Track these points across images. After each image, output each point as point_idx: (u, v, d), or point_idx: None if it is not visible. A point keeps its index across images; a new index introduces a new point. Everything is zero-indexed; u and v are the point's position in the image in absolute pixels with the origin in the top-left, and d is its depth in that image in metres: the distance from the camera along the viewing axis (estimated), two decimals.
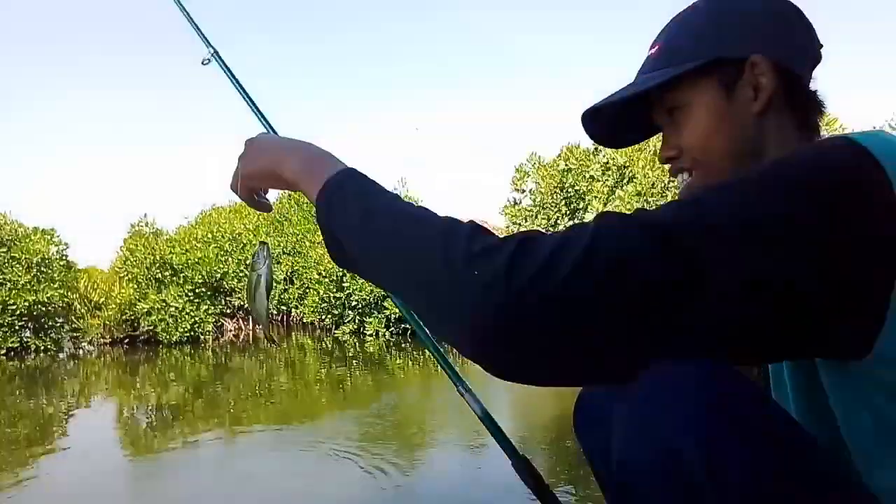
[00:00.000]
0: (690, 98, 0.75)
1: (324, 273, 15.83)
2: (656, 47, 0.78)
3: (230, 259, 16.94)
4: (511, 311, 0.52)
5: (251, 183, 0.81)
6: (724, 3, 0.76)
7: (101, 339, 14.89)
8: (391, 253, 0.63)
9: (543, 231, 0.59)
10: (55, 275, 13.68)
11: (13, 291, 12.88)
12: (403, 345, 14.20)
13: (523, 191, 16.92)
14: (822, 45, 0.78)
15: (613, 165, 14.71)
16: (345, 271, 15.68)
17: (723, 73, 0.74)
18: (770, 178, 0.57)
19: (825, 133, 0.79)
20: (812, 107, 0.77)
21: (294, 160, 0.77)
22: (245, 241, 17.62)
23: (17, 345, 13.11)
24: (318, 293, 16.04)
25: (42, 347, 13.40)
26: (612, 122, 0.84)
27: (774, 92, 0.73)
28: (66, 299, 14.01)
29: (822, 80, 0.79)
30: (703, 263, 0.52)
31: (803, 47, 0.77)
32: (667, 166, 0.83)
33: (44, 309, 13.33)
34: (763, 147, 0.75)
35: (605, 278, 0.51)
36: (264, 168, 0.79)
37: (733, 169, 0.74)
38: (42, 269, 13.45)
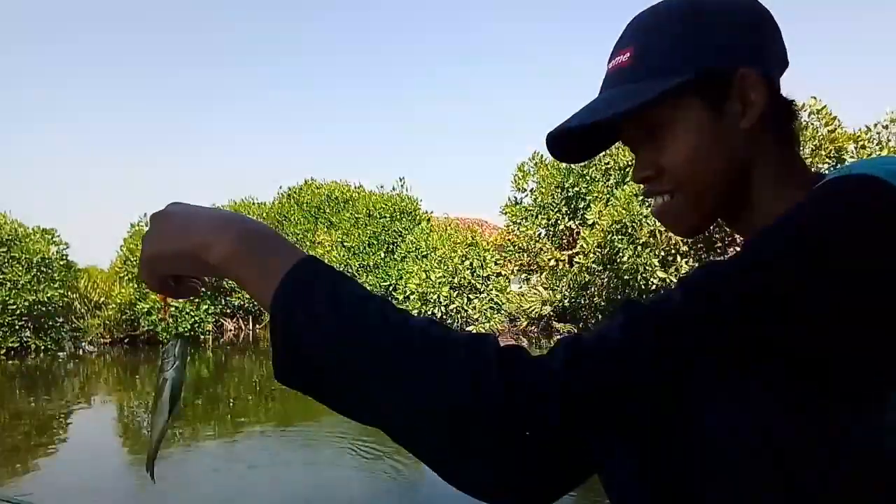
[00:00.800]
0: (673, 115, 0.68)
1: None
2: (626, 55, 0.69)
3: None
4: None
5: (160, 267, 0.62)
6: (700, 7, 0.69)
7: (102, 339, 14.90)
8: (400, 380, 0.53)
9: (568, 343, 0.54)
10: (55, 275, 13.69)
11: (13, 291, 12.88)
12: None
13: (524, 190, 16.91)
14: (785, 49, 0.75)
15: (615, 167, 14.71)
16: (344, 271, 15.67)
17: (709, 87, 0.67)
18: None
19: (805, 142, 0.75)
20: (791, 116, 0.73)
21: (225, 240, 0.59)
22: None
23: (18, 344, 13.11)
24: None
25: (42, 347, 13.41)
26: (573, 138, 0.74)
27: (764, 106, 0.67)
28: (66, 299, 14.02)
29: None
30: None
31: (779, 54, 0.72)
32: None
33: (44, 309, 13.33)
34: (751, 166, 0.70)
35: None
36: (179, 249, 0.60)
37: (718, 192, 0.69)
38: (42, 268, 13.45)
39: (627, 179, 14.04)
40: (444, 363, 0.53)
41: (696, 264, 12.92)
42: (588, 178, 15.29)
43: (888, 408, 0.49)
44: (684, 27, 0.68)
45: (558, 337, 0.49)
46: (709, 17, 0.69)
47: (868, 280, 0.50)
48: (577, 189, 15.56)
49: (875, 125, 13.15)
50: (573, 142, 0.74)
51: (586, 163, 15.63)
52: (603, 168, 15.08)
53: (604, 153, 15.47)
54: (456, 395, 0.52)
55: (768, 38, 0.70)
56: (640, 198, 12.27)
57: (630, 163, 13.92)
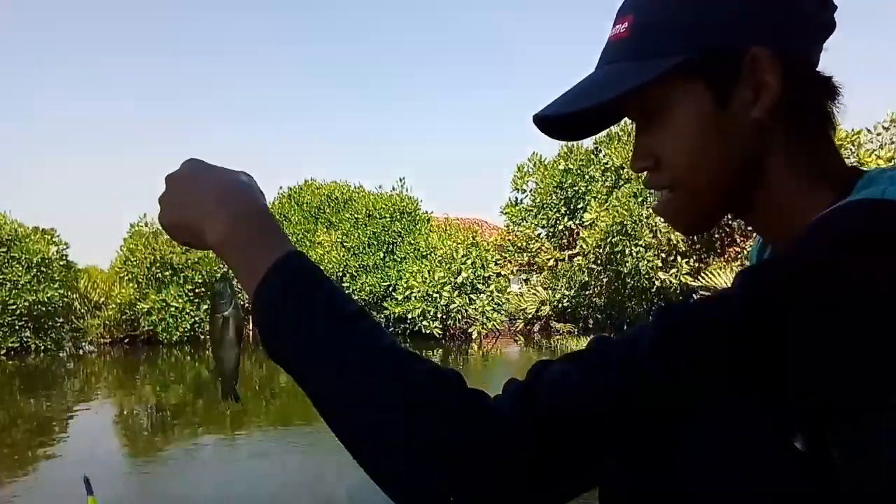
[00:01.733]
0: (672, 99, 0.59)
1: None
2: (625, 24, 0.60)
3: None
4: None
5: (176, 236, 0.63)
6: None
7: (102, 339, 14.90)
8: (368, 409, 0.53)
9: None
10: (55, 275, 13.69)
11: (13, 291, 12.89)
12: (404, 344, 14.19)
13: (524, 190, 16.92)
14: (836, 7, 0.62)
15: (612, 166, 14.71)
16: (344, 271, 15.72)
17: (714, 69, 0.58)
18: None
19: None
20: (826, 98, 0.61)
21: (219, 220, 0.59)
22: None
23: (18, 345, 13.12)
24: None
25: (42, 347, 13.41)
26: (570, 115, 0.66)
27: (781, 92, 0.57)
28: (66, 299, 14.02)
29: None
30: None
31: (811, 19, 0.60)
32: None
33: (44, 309, 13.33)
34: (766, 161, 0.60)
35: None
36: (182, 220, 0.61)
37: (722, 191, 0.61)
38: (42, 269, 13.46)
39: (624, 178, 14.04)
40: (415, 397, 0.52)
41: (697, 264, 12.86)
42: (587, 177, 15.29)
43: (885, 419, 0.47)
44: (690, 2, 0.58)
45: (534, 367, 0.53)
46: None
47: (869, 329, 0.45)
48: (576, 189, 15.56)
49: (875, 126, 13.15)
50: (571, 119, 0.65)
51: (586, 163, 15.67)
52: (602, 167, 15.09)
53: (603, 153, 15.42)
54: (428, 432, 0.50)
55: (796, 3, 0.59)
56: (640, 199, 12.27)
57: (626, 164, 13.90)
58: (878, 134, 13.07)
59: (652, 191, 0.67)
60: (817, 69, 0.61)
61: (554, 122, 0.64)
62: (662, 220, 0.68)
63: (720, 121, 0.59)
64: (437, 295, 14.04)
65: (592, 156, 15.59)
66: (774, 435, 0.49)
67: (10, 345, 12.94)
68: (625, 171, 14.10)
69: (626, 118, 0.69)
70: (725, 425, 0.49)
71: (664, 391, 0.48)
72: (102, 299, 15.13)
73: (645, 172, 0.65)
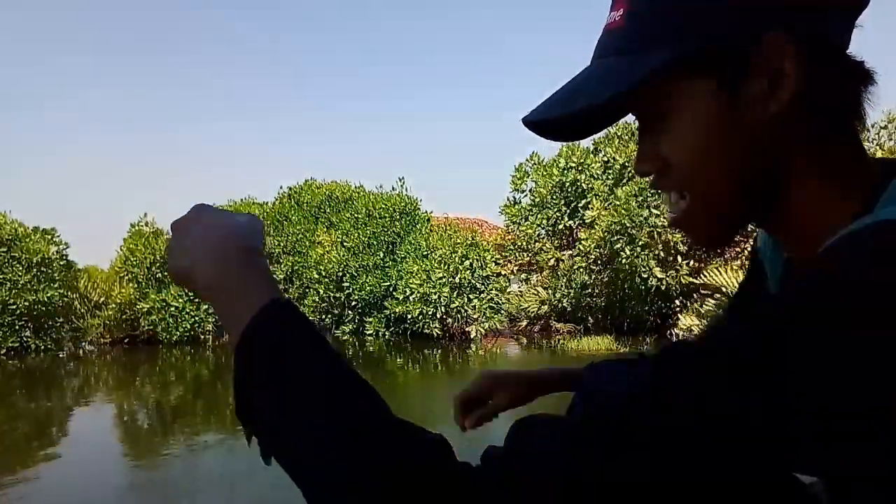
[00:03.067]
0: (674, 98, 0.53)
1: (324, 273, 15.85)
2: (620, 11, 0.53)
3: None
4: None
5: (178, 283, 0.62)
6: None
7: (102, 339, 14.90)
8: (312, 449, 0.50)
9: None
10: (55, 275, 13.69)
11: (13, 291, 12.88)
12: (403, 344, 14.21)
13: (523, 190, 16.92)
14: None
15: (614, 164, 14.70)
16: (344, 271, 15.72)
17: (721, 60, 0.51)
18: None
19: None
20: (855, 87, 0.53)
21: (206, 268, 0.57)
22: None
23: (18, 344, 13.12)
24: (318, 293, 16.05)
25: (42, 347, 13.42)
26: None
27: (801, 82, 0.50)
28: (66, 299, 14.03)
29: None
30: None
31: None
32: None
33: (44, 309, 13.33)
34: (785, 168, 0.53)
35: None
36: (178, 268, 0.60)
37: (739, 198, 0.55)
38: (42, 268, 13.46)
39: (628, 176, 14.03)
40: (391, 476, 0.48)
41: (697, 264, 12.80)
42: (587, 176, 15.29)
43: None
44: None
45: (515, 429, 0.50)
46: None
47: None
48: (575, 188, 15.56)
49: (873, 125, 13.15)
50: (564, 121, 0.57)
51: (585, 162, 15.66)
52: (602, 167, 15.08)
53: (603, 152, 15.39)
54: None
55: None
56: (640, 199, 12.26)
57: (627, 162, 13.86)
58: (877, 133, 13.08)
59: (659, 194, 0.61)
60: (847, 52, 0.53)
61: (546, 123, 0.58)
62: (681, 233, 0.60)
63: (731, 119, 0.52)
64: (436, 295, 14.04)
65: (592, 154, 15.58)
66: None
67: (10, 345, 12.94)
68: (627, 169, 14.09)
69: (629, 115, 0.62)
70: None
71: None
72: (102, 299, 15.13)
73: (645, 177, 0.59)
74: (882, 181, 0.52)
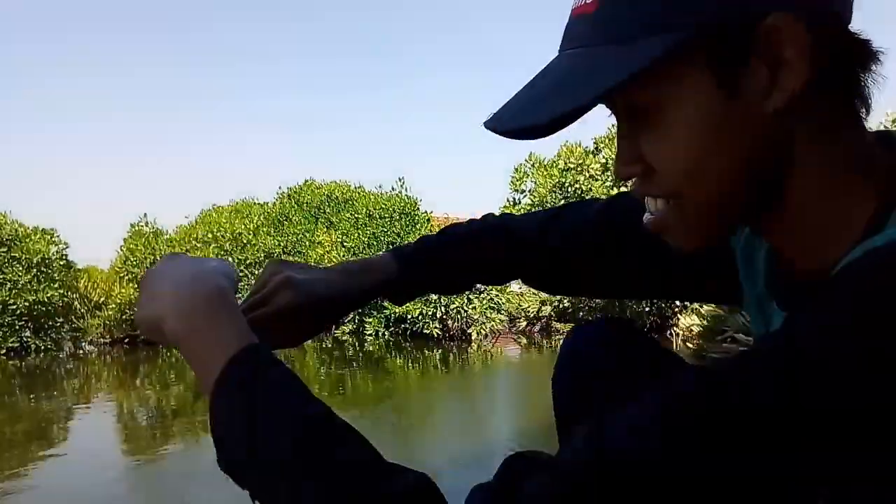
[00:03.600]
0: (662, 91, 0.46)
1: None
2: None
3: (230, 259, 16.94)
4: None
5: (144, 333, 0.60)
6: None
7: (102, 339, 14.90)
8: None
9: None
10: (55, 275, 13.69)
11: (13, 291, 12.88)
12: (404, 344, 14.21)
13: (523, 191, 16.93)
14: None
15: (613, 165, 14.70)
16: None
17: (720, 49, 0.44)
18: None
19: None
20: (861, 70, 0.47)
21: (173, 317, 0.55)
22: (245, 241, 17.62)
23: (17, 344, 13.11)
24: None
25: (42, 347, 13.41)
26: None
27: (808, 70, 0.44)
28: (66, 299, 14.02)
29: None
30: None
31: None
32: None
33: (44, 309, 13.33)
34: (789, 165, 0.47)
35: None
36: (148, 321, 0.58)
37: (735, 202, 0.49)
38: (42, 269, 13.46)
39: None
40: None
41: None
42: (586, 177, 15.31)
43: None
44: None
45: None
46: None
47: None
48: (575, 189, 15.56)
49: (878, 126, 13.14)
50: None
51: (585, 162, 15.65)
52: (602, 168, 15.09)
53: (602, 152, 15.41)
54: None
55: None
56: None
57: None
58: None
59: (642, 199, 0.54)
60: (851, 30, 0.48)
61: (522, 131, 0.50)
62: (665, 238, 0.54)
63: (728, 114, 0.46)
64: (436, 295, 14.04)
65: (591, 155, 15.60)
66: None
67: (10, 345, 12.93)
68: None
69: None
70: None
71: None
72: (102, 299, 15.13)
73: (627, 180, 0.53)
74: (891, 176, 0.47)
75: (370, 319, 15.43)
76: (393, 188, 18.00)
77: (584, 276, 0.86)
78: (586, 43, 0.47)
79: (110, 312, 14.95)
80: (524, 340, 14.78)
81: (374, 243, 16.21)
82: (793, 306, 0.55)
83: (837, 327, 0.37)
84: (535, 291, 16.76)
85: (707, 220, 0.50)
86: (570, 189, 16.18)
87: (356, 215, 16.81)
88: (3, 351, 12.82)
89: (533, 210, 11.92)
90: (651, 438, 0.40)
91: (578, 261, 0.85)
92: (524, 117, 0.47)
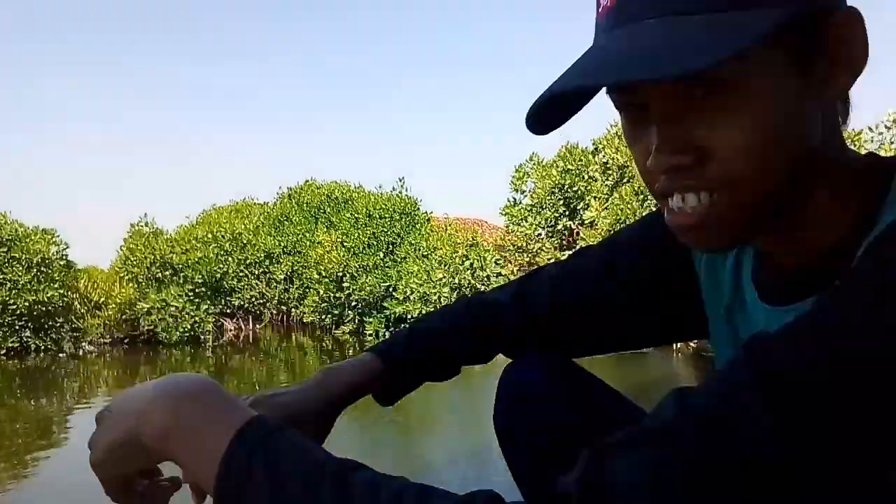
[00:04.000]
0: (746, 73, 0.44)
1: (324, 273, 15.85)
2: None
3: (230, 259, 16.95)
4: None
5: (108, 468, 0.51)
6: None
7: (102, 339, 14.90)
8: None
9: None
10: (55, 275, 13.70)
11: (13, 291, 12.89)
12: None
13: (523, 191, 16.94)
14: None
15: (613, 165, 14.71)
16: (344, 271, 15.71)
17: (804, 33, 0.45)
18: None
19: None
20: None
21: (159, 408, 0.48)
22: (245, 241, 17.63)
23: (18, 345, 13.12)
24: (318, 293, 16.06)
25: (42, 347, 13.41)
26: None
27: (863, 64, 0.47)
28: (66, 299, 14.03)
29: None
30: None
31: None
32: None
33: (44, 309, 13.33)
34: (820, 160, 0.48)
35: None
36: (120, 430, 0.50)
37: (784, 192, 0.48)
38: (42, 269, 13.46)
39: (628, 176, 14.03)
40: None
41: None
42: (587, 177, 15.31)
43: None
44: None
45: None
46: None
47: None
48: (575, 189, 15.57)
49: (877, 126, 13.15)
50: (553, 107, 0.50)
51: (585, 162, 15.65)
52: (602, 168, 15.09)
53: (603, 153, 15.43)
54: None
55: None
56: (641, 197, 12.26)
57: (628, 162, 13.83)
58: (880, 133, 13.09)
59: (672, 198, 0.50)
60: None
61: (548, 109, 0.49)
62: (687, 237, 0.52)
63: (800, 102, 0.46)
64: (436, 295, 14.05)
65: (591, 155, 15.60)
66: None
67: (10, 345, 12.94)
68: (627, 169, 14.08)
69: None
70: None
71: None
72: (102, 299, 15.13)
73: (671, 173, 0.49)
74: (874, 178, 0.49)
75: (370, 320, 15.43)
76: (394, 188, 18.07)
77: (562, 337, 0.88)
78: (673, 11, 0.44)
79: (110, 312, 14.95)
80: None
81: (374, 243, 16.22)
82: (786, 298, 0.56)
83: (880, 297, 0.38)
84: None
85: (749, 215, 0.49)
86: (570, 191, 16.19)
87: (356, 215, 16.83)
88: (3, 351, 12.82)
89: (533, 210, 11.81)
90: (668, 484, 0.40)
91: (555, 324, 0.87)
92: (671, 63, 0.41)
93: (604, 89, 0.51)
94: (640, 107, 0.49)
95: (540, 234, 17.02)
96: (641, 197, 12.56)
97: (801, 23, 0.45)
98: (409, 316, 14.81)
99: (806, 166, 0.48)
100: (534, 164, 17.24)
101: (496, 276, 15.37)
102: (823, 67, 0.46)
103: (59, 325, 13.93)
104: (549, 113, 0.50)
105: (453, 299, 12.00)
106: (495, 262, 15.19)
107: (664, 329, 0.85)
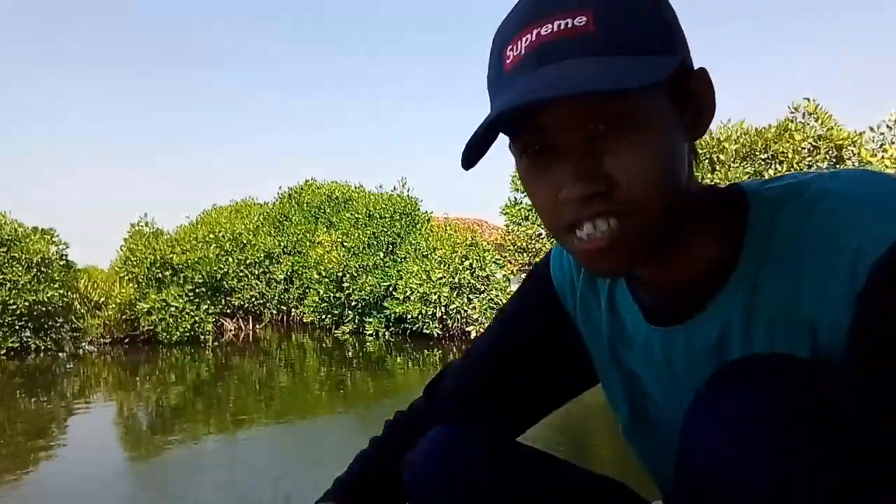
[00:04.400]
0: (647, 109, 0.52)
1: (324, 273, 15.85)
2: (582, 19, 0.50)
3: (230, 259, 16.95)
4: None
5: None
6: None
7: (102, 339, 14.90)
8: None
9: None
10: (55, 275, 13.70)
11: (13, 291, 12.89)
12: (403, 345, 14.21)
13: (523, 191, 16.90)
14: None
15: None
16: (344, 271, 15.73)
17: (675, 85, 0.54)
18: None
19: None
20: None
21: None
22: (245, 241, 17.63)
23: (18, 345, 13.12)
24: (318, 293, 16.06)
25: (42, 347, 13.41)
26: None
27: (713, 113, 0.57)
28: (66, 299, 14.02)
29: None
30: None
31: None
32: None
33: (44, 309, 13.33)
34: (688, 192, 0.57)
35: None
36: None
37: (676, 215, 0.56)
38: (42, 269, 13.46)
39: None
40: None
41: None
42: None
43: None
44: (651, 4, 0.53)
45: None
46: (659, 3, 0.54)
47: None
48: None
49: (878, 126, 13.16)
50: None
51: None
52: None
53: None
54: None
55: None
56: None
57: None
58: (881, 133, 13.10)
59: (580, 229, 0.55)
60: None
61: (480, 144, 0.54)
62: (592, 263, 0.57)
63: (678, 137, 0.55)
64: (436, 295, 14.05)
65: None
66: None
67: (10, 345, 12.94)
68: None
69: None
70: None
71: None
72: (102, 299, 15.13)
73: (587, 201, 0.53)
74: (729, 207, 0.60)
75: (370, 320, 15.44)
76: (394, 188, 18.08)
77: (493, 423, 0.86)
78: (592, 53, 0.50)
79: (110, 312, 14.95)
80: None
81: (374, 243, 16.23)
82: (666, 320, 0.65)
83: None
84: None
85: (650, 237, 0.55)
86: None
87: (356, 215, 16.84)
88: (3, 351, 12.82)
89: (533, 210, 11.79)
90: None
91: (467, 419, 0.85)
92: (613, 82, 0.48)
93: (508, 143, 0.59)
94: (545, 148, 0.55)
95: (540, 234, 17.04)
96: None
97: (679, 74, 0.53)
98: (408, 316, 14.84)
99: (683, 197, 0.56)
100: None
101: (496, 276, 15.39)
102: (689, 114, 0.56)
103: (59, 325, 13.92)
104: (478, 147, 0.56)
105: (453, 299, 11.97)
106: (495, 262, 15.20)
107: (573, 383, 0.85)
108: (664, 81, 0.49)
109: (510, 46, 0.53)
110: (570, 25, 0.51)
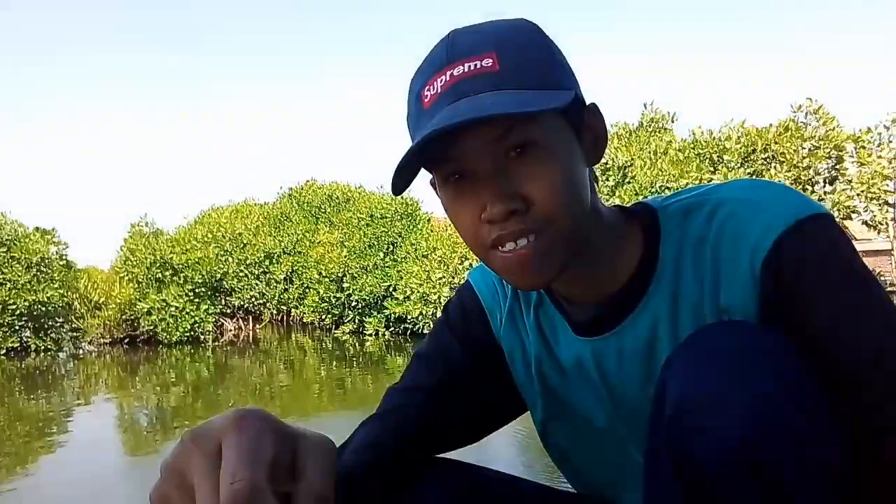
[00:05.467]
0: (554, 135, 0.60)
1: (324, 273, 15.84)
2: (488, 60, 0.58)
3: (230, 259, 16.96)
4: None
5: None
6: (540, 29, 0.64)
7: (102, 339, 14.91)
8: None
9: None
10: (55, 275, 13.71)
11: (13, 291, 12.89)
12: (404, 345, 14.21)
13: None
14: None
15: (614, 166, 14.72)
16: (345, 271, 15.73)
17: (572, 115, 0.62)
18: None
19: None
20: None
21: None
22: (245, 241, 17.63)
23: (17, 345, 13.12)
24: (318, 293, 16.05)
25: (42, 347, 13.42)
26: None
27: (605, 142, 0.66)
28: (65, 299, 14.03)
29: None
30: None
31: None
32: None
33: (44, 309, 13.34)
34: (595, 211, 0.66)
35: None
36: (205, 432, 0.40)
37: (585, 231, 0.64)
38: (42, 269, 13.47)
39: (630, 176, 14.05)
40: None
41: None
42: None
43: None
44: (546, 44, 0.62)
45: None
46: (552, 42, 0.63)
47: None
48: None
49: (876, 126, 13.16)
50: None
51: None
52: (603, 167, 15.09)
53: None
54: None
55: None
56: (640, 197, 12.26)
57: (630, 161, 13.87)
58: (879, 133, 13.09)
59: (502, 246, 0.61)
60: None
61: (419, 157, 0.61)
62: (513, 277, 0.62)
63: (580, 163, 0.63)
64: (436, 295, 14.05)
65: None
66: None
67: (10, 345, 12.94)
68: (628, 169, 14.09)
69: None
70: None
71: None
72: (102, 299, 15.14)
73: (506, 220, 0.59)
74: (639, 223, 0.68)
75: (370, 319, 15.45)
76: None
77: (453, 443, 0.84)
78: (499, 87, 0.58)
79: (110, 312, 14.95)
80: None
81: (375, 243, 16.24)
82: (592, 331, 0.71)
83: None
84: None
85: (565, 250, 0.61)
86: None
87: (357, 215, 16.85)
88: (3, 351, 12.82)
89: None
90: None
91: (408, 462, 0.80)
92: (527, 106, 0.56)
93: (430, 180, 0.67)
94: (464, 175, 0.61)
95: None
96: (642, 197, 12.56)
97: (575, 106, 0.62)
98: (408, 316, 14.85)
99: (590, 215, 0.64)
100: None
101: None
102: (586, 142, 0.63)
103: (59, 325, 13.93)
104: (406, 175, 0.63)
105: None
106: None
107: (511, 407, 0.86)
108: (563, 112, 0.60)
109: (427, 87, 0.61)
110: (478, 66, 0.59)
